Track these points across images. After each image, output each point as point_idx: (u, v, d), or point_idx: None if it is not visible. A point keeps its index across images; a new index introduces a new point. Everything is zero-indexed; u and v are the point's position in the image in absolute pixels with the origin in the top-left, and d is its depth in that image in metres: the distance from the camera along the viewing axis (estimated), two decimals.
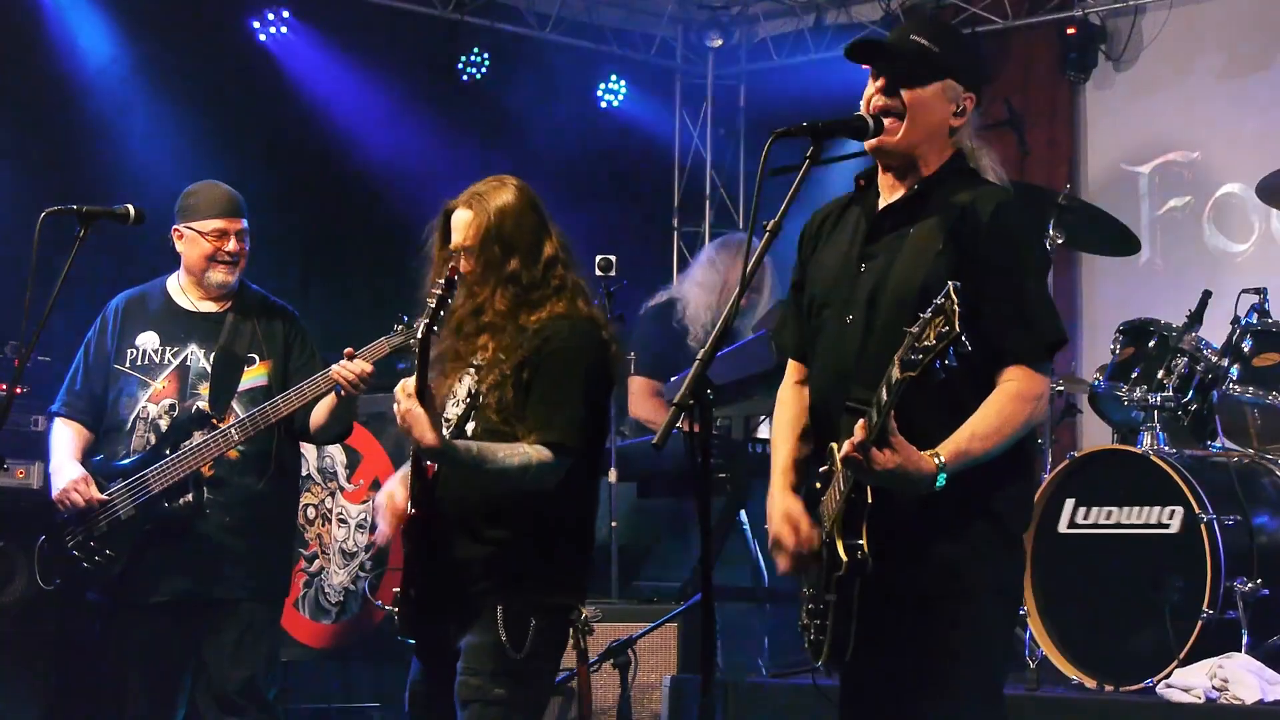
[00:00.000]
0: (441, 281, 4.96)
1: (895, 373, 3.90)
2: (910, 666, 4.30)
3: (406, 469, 5.22)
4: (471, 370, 5.15)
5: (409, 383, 4.90)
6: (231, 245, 6.29)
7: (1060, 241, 8.24)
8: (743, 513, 9.08)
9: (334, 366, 5.96)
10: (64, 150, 9.54)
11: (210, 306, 6.37)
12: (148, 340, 6.31)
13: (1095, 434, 9.24)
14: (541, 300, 5.15)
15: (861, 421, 4.03)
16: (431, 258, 5.32)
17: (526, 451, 5.01)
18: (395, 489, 5.29)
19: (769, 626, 8.96)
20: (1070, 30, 10.77)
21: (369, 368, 5.91)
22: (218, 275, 6.31)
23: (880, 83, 4.37)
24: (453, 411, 5.15)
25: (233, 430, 6.10)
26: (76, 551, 6.13)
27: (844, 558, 4.17)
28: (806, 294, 4.58)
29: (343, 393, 6.00)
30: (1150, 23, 10.70)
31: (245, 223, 6.36)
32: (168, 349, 6.28)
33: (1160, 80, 10.73)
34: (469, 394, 5.13)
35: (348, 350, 5.94)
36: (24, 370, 6.33)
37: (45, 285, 5.82)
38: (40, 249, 5.85)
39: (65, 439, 6.31)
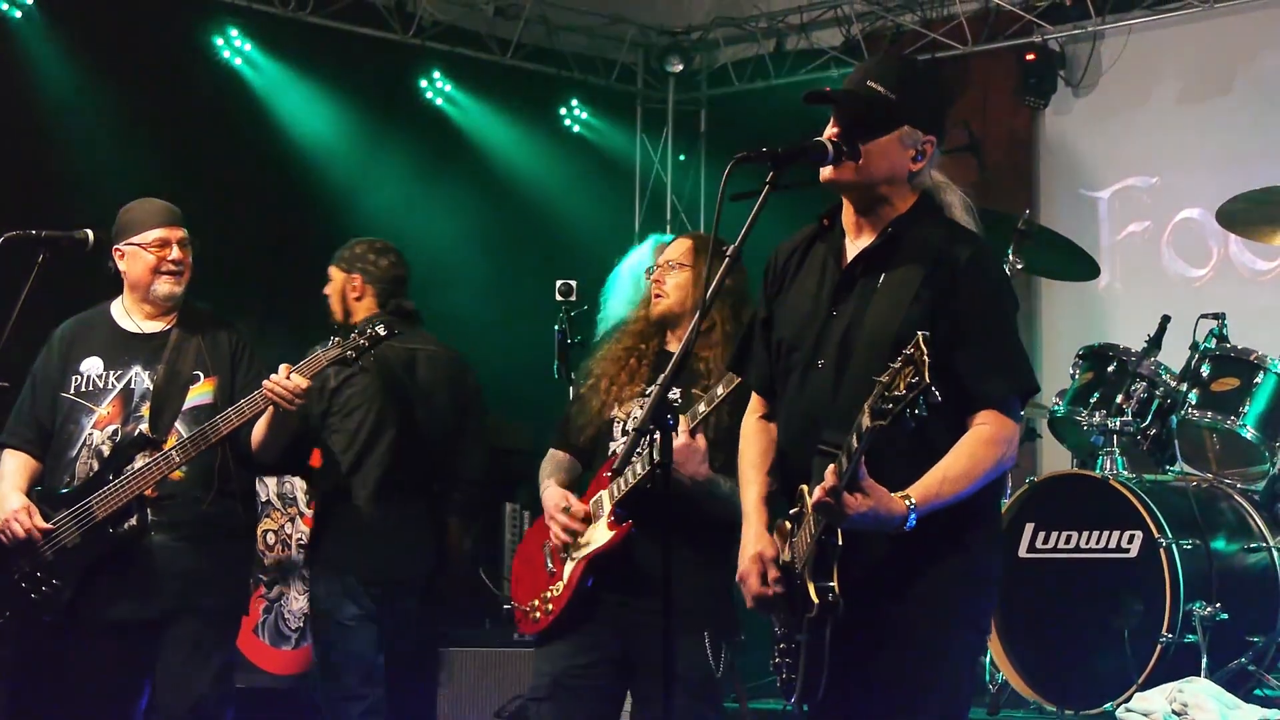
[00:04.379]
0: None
1: (865, 421, 3.90)
2: (880, 698, 4.30)
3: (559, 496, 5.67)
4: (639, 397, 5.53)
5: (683, 423, 5.29)
6: (175, 253, 6.19)
7: (1020, 266, 8.26)
8: None
9: (265, 381, 5.93)
10: (24, 174, 9.51)
11: (155, 326, 6.27)
12: (92, 365, 6.22)
13: (1054, 458, 9.27)
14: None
15: (832, 466, 4.03)
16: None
17: None
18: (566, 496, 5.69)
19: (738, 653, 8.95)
20: (1030, 56, 10.81)
21: (304, 383, 5.88)
22: (164, 286, 6.22)
23: (836, 130, 4.35)
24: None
25: (175, 453, 5.99)
26: (24, 583, 6.05)
27: (815, 600, 4.18)
28: (775, 334, 4.58)
29: (281, 409, 5.95)
30: (1109, 48, 10.76)
31: (185, 232, 6.26)
32: (111, 373, 6.18)
33: (1119, 105, 10.78)
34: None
35: (284, 366, 5.91)
36: None
37: (4, 311, 5.81)
38: None
39: (10, 469, 6.22)
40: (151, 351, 6.22)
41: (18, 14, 9.60)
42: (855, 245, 4.45)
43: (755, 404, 4.72)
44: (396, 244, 10.68)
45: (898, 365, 3.83)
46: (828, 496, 4.01)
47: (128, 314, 6.31)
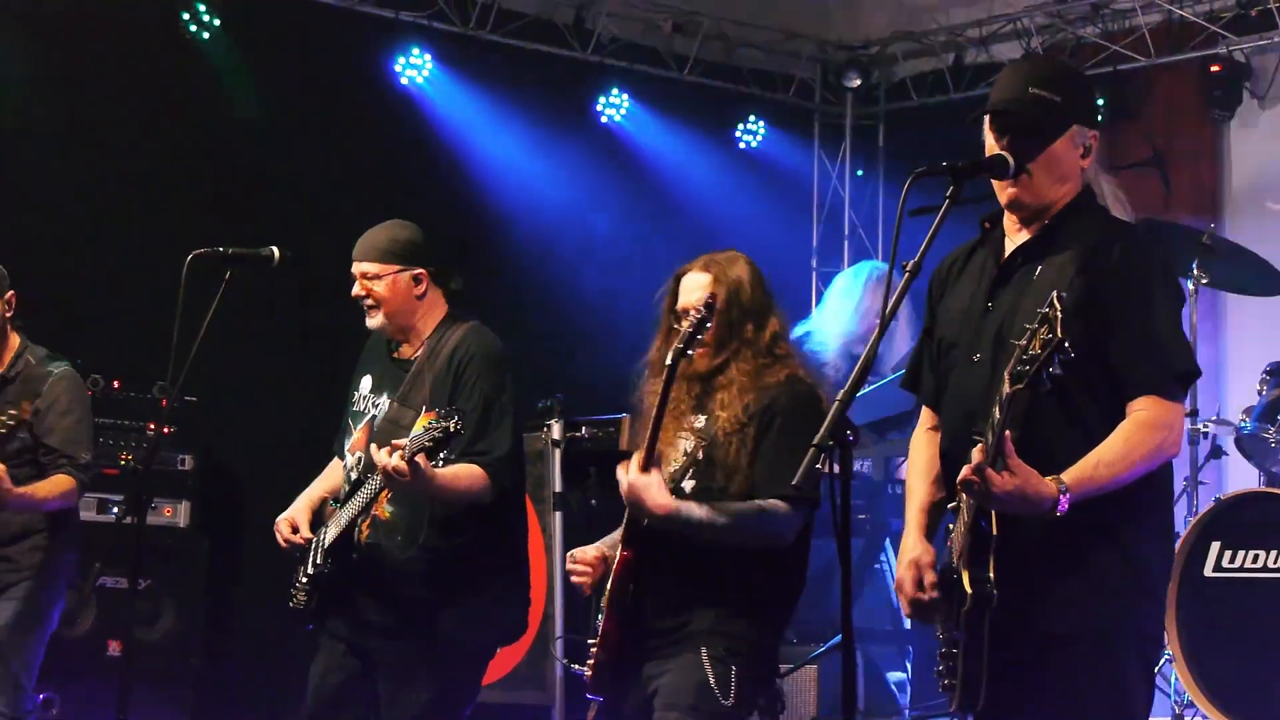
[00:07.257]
0: (703, 309, 5.10)
1: (1005, 388, 3.92)
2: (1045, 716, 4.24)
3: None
4: (688, 431, 5.26)
5: (633, 460, 5.05)
6: (355, 289, 5.97)
7: (1205, 281, 8.16)
8: (885, 553, 9.05)
9: (376, 458, 5.57)
10: (213, 192, 9.69)
11: (408, 352, 6.02)
12: (365, 384, 6.08)
13: (1241, 476, 9.11)
14: (772, 366, 5.31)
15: (979, 445, 4.02)
16: (661, 319, 5.52)
17: (760, 504, 5.11)
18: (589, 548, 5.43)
19: (910, 668, 8.92)
20: (1214, 68, 10.65)
21: (397, 464, 5.41)
22: (367, 320, 6.03)
23: (1005, 141, 4.33)
24: (668, 471, 5.21)
25: (366, 488, 5.79)
26: (291, 589, 5.92)
27: (969, 590, 4.12)
28: (936, 337, 4.59)
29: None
30: None
31: (366, 265, 5.94)
32: (373, 397, 6.02)
33: None
34: (686, 453, 5.24)
35: (396, 443, 5.50)
36: (171, 410, 6.39)
37: (195, 327, 5.91)
38: (188, 290, 5.94)
39: (323, 475, 6.17)
40: (397, 381, 5.98)
41: (205, 35, 9.79)
42: (1014, 241, 4.47)
43: (925, 417, 4.70)
44: (574, 259, 10.74)
45: (1033, 326, 3.85)
46: (973, 474, 3.99)
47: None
